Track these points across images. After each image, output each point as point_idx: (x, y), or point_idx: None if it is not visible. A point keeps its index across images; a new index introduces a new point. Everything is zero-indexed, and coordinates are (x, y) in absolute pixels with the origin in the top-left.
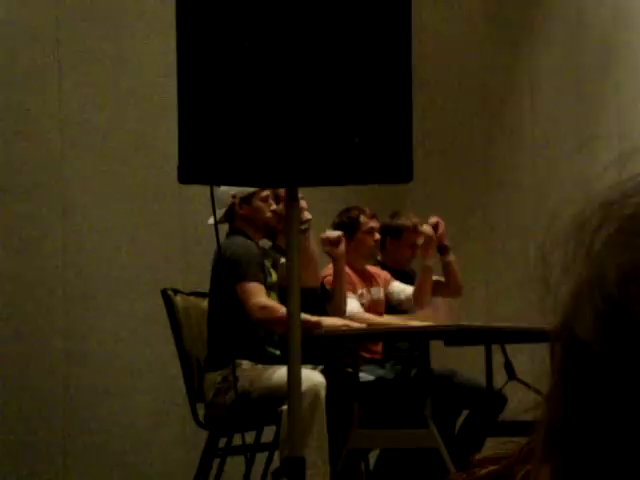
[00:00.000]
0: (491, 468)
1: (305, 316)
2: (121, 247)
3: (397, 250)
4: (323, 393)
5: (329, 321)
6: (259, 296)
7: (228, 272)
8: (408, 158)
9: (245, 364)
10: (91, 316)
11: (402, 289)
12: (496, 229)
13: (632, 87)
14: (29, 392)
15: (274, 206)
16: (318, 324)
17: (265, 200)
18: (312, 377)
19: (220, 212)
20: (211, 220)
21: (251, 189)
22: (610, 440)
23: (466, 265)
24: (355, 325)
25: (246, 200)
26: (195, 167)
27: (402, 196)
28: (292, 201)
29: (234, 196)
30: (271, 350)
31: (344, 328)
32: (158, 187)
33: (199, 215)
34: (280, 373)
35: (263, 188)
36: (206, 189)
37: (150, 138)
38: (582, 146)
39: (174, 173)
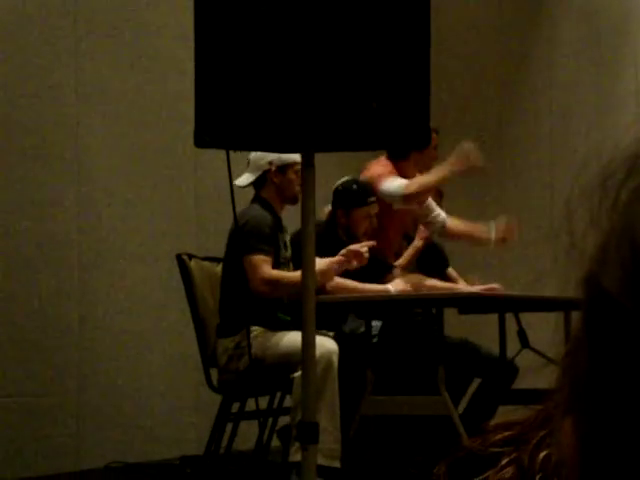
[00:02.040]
0: (505, 434)
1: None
2: (135, 211)
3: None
4: (336, 359)
5: (350, 283)
6: (262, 268)
7: (240, 242)
8: (426, 123)
9: (257, 330)
10: (105, 280)
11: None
12: (510, 203)
13: None
14: (43, 355)
15: None
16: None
17: (297, 172)
18: (325, 343)
19: (251, 176)
20: (239, 181)
21: (289, 159)
22: (635, 390)
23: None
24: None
25: (282, 169)
26: (211, 131)
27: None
28: (308, 167)
29: (271, 162)
30: (282, 316)
31: (357, 293)
32: (174, 152)
33: (215, 180)
34: (293, 339)
35: (281, 153)
36: (223, 154)
37: (166, 102)
38: (600, 112)
39: (191, 138)
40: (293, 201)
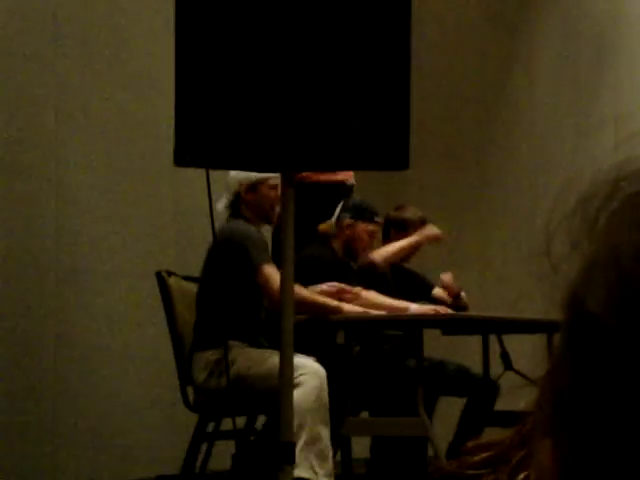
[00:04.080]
0: (484, 455)
1: (326, 300)
2: (115, 230)
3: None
4: (325, 385)
5: (347, 307)
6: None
7: (235, 256)
8: (405, 145)
9: (237, 345)
10: (82, 298)
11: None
12: (491, 220)
13: (629, 81)
14: (19, 372)
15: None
16: (339, 310)
17: (273, 188)
18: (315, 366)
19: (225, 200)
20: (218, 206)
21: (259, 176)
22: (616, 412)
23: (461, 255)
24: (372, 312)
25: (253, 188)
26: (191, 150)
27: (396, 185)
28: (288, 187)
29: (240, 183)
30: (262, 341)
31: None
32: (154, 170)
33: (195, 199)
34: (276, 359)
35: (261, 172)
36: (203, 173)
37: (147, 121)
38: (579, 134)
39: (170, 156)
40: (267, 220)
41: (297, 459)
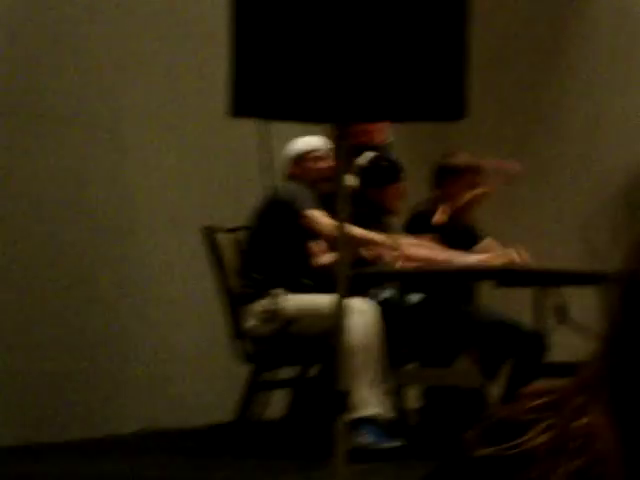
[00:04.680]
0: (540, 400)
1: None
2: (169, 181)
3: (456, 190)
4: (375, 325)
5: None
6: (326, 218)
7: (283, 209)
8: (461, 94)
9: (283, 293)
10: (139, 249)
11: None
12: (546, 172)
13: None
14: (79, 322)
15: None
16: (390, 246)
17: (319, 159)
18: (363, 307)
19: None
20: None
21: (301, 149)
22: None
23: (515, 208)
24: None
25: (297, 161)
26: (247, 101)
27: (451, 135)
28: (342, 139)
29: (286, 161)
30: (306, 281)
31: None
32: (210, 123)
33: (249, 153)
34: (324, 302)
35: (315, 123)
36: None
37: (201, 72)
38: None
39: (225, 109)
40: (317, 186)
41: (358, 399)
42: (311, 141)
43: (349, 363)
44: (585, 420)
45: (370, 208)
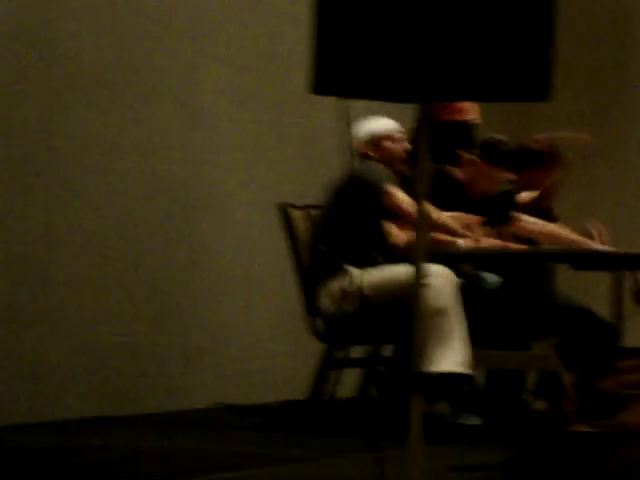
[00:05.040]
0: None
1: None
2: (245, 158)
3: (539, 177)
4: (457, 288)
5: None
6: (407, 197)
7: (363, 186)
8: (548, 75)
9: (355, 271)
10: (213, 225)
11: None
12: (624, 150)
13: None
14: (152, 295)
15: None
16: (453, 243)
17: (397, 141)
18: (444, 271)
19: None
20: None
21: (379, 132)
22: None
23: (593, 187)
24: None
25: (374, 143)
26: (328, 78)
27: (528, 112)
28: (425, 118)
29: (362, 142)
30: (379, 259)
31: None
32: (287, 100)
33: (326, 131)
34: (400, 271)
35: (398, 102)
36: (331, 103)
37: (279, 49)
38: None
39: (301, 86)
40: (391, 168)
41: (435, 354)
42: (386, 123)
43: (428, 323)
44: None
45: (452, 189)
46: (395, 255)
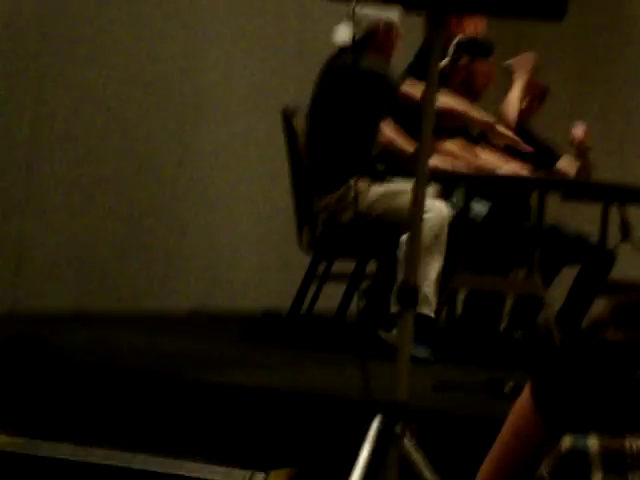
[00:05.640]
0: None
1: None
2: (240, 62)
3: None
4: (446, 225)
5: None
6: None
7: (372, 82)
8: None
9: (359, 184)
10: (206, 127)
11: None
12: (618, 76)
13: None
14: (138, 194)
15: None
16: (490, 125)
17: (397, 35)
18: (440, 208)
19: (352, 35)
20: (339, 37)
21: (394, 19)
22: None
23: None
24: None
25: (389, 29)
26: None
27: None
28: (437, 28)
29: (380, 22)
30: (378, 165)
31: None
32: (282, 4)
33: (321, 34)
34: (402, 197)
35: (409, 9)
36: (330, 7)
37: None
38: None
39: None
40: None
41: (422, 296)
42: (395, 14)
43: (419, 260)
44: None
45: (458, 88)
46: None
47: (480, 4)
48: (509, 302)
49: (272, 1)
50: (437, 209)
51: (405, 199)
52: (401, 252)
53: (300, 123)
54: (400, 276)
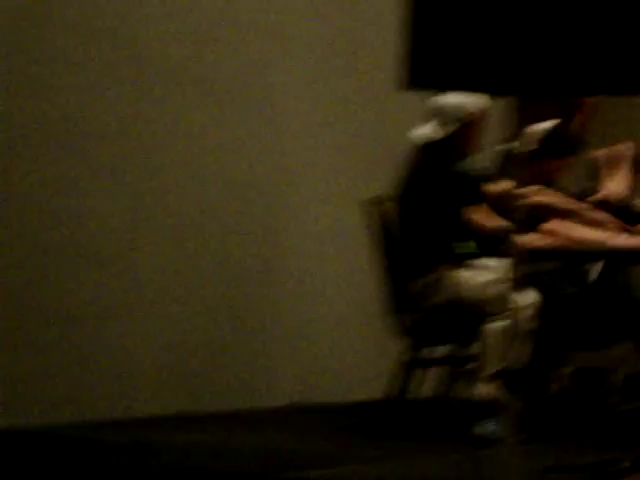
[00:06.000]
0: None
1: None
2: (324, 155)
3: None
4: (529, 314)
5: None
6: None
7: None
8: None
9: (452, 271)
10: (293, 222)
11: None
12: None
13: None
14: (230, 294)
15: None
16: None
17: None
18: (522, 300)
19: (443, 129)
20: (424, 133)
21: (483, 106)
22: None
23: None
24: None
25: (480, 117)
26: (423, 71)
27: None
28: (524, 112)
29: (472, 111)
30: (464, 246)
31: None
32: (363, 92)
33: (401, 125)
34: (483, 285)
35: (493, 94)
36: (410, 97)
37: (359, 41)
38: None
39: (378, 81)
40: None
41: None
42: (484, 101)
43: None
44: None
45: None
46: (490, 241)
47: (568, 88)
48: (619, 375)
49: (351, 94)
50: (525, 297)
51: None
52: (486, 339)
53: (389, 210)
54: (486, 363)
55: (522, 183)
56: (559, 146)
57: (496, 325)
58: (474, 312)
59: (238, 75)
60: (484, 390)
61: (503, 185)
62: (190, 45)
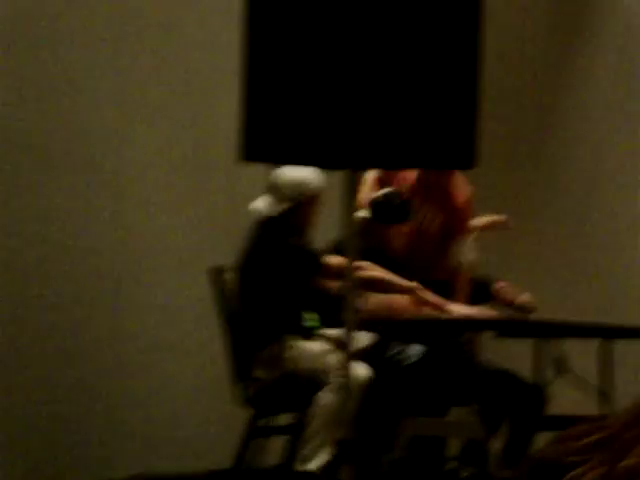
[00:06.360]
0: (597, 436)
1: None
2: (171, 224)
3: None
4: (360, 388)
5: (456, 308)
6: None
7: (297, 253)
8: (473, 144)
9: (293, 342)
10: (139, 293)
11: None
12: (549, 222)
13: None
14: (72, 364)
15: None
16: (441, 307)
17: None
18: (357, 370)
19: (281, 205)
20: (263, 207)
21: (319, 188)
22: None
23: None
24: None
25: (313, 199)
26: (258, 145)
27: None
28: (352, 185)
29: (305, 192)
30: (309, 319)
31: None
32: (211, 164)
33: (249, 195)
34: (320, 355)
35: (326, 169)
36: (258, 169)
37: (205, 114)
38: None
39: (226, 150)
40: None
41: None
42: (320, 178)
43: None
44: (632, 460)
45: (376, 245)
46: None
47: (396, 159)
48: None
49: (201, 162)
50: (355, 373)
51: (320, 355)
52: (317, 408)
53: (229, 280)
54: (317, 433)
55: (363, 252)
56: (390, 213)
57: (329, 395)
58: (310, 382)
59: (85, 143)
60: (315, 461)
61: (338, 259)
62: (33, 110)
